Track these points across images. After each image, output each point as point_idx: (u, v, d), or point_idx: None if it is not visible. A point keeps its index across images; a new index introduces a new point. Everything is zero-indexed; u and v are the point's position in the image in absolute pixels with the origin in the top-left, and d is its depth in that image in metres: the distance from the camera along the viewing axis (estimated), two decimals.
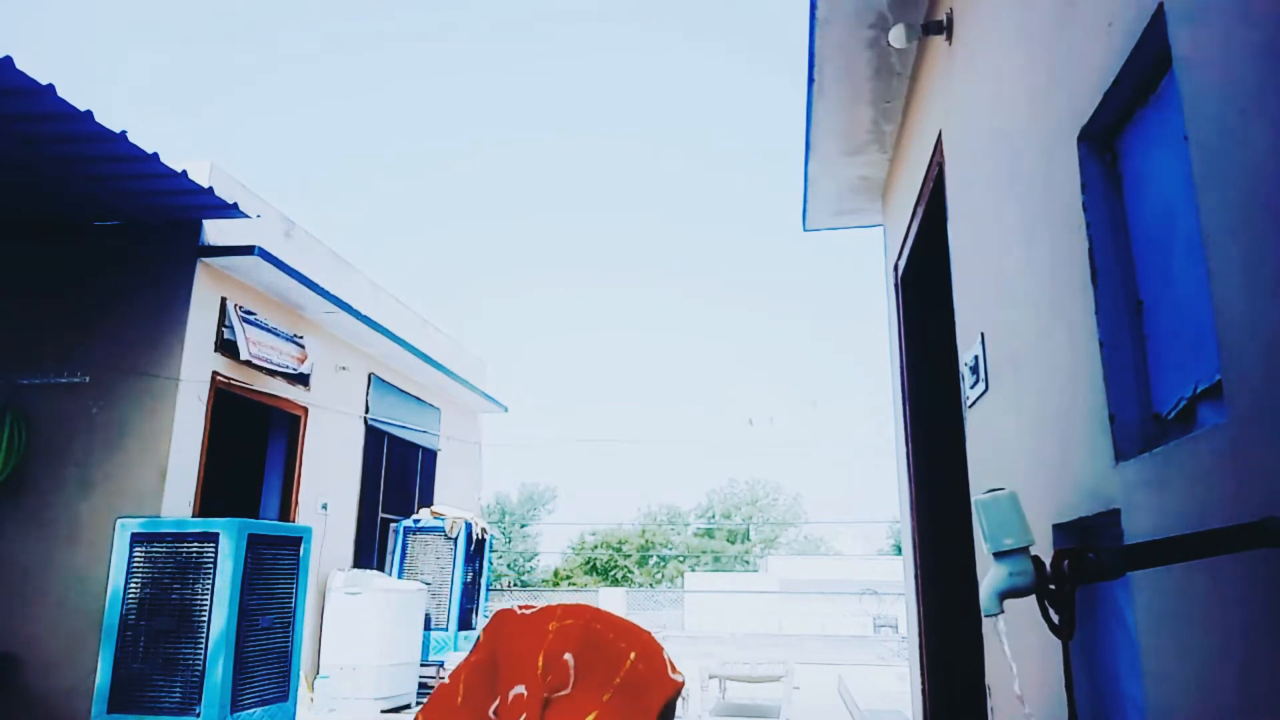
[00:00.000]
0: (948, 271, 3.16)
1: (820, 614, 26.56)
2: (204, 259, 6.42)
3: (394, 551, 9.14)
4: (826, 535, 50.35)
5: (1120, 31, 1.53)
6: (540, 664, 1.04)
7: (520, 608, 1.13)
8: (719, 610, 27.97)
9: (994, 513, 1.59)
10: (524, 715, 1.01)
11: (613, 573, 42.99)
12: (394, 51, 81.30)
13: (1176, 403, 1.49)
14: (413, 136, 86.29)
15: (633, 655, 1.07)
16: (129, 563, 5.24)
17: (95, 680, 5.10)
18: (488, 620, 1.09)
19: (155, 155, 5.22)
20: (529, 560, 45.31)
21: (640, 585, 40.92)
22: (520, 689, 1.03)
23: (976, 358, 2.70)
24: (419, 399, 10.42)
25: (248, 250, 6.43)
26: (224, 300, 6.69)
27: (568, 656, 1.04)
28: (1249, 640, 1.16)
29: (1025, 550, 1.57)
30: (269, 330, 7.23)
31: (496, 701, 1.05)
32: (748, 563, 44.33)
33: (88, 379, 6.20)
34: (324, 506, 8.18)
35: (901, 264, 4.36)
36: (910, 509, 4.18)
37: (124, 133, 4.95)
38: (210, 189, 5.73)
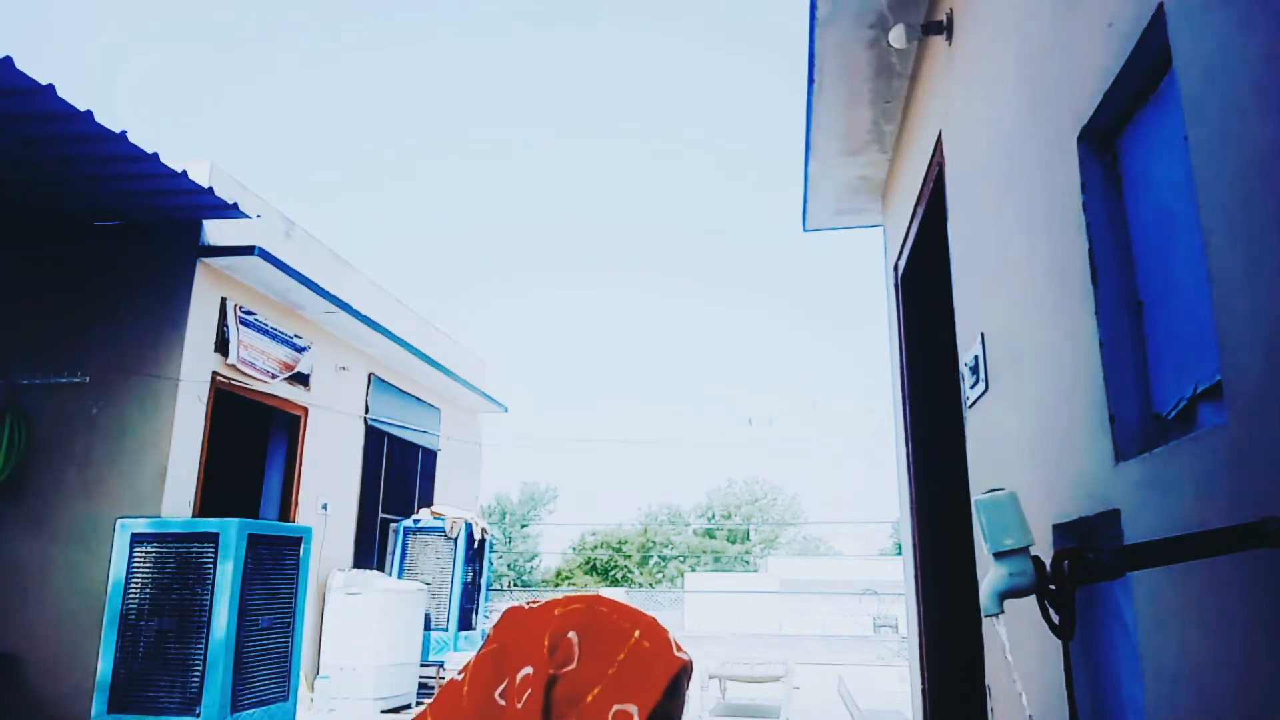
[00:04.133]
0: (948, 271, 3.16)
1: (820, 614, 26.59)
2: (204, 259, 6.42)
3: (394, 552, 9.14)
4: (826, 535, 50.45)
5: (1120, 31, 1.53)
6: (546, 644, 1.06)
7: (529, 603, 1.15)
8: (719, 610, 27.97)
9: (994, 513, 1.59)
10: (529, 691, 1.03)
11: (613, 573, 43.00)
12: (394, 52, 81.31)
13: (1176, 403, 1.49)
14: (413, 137, 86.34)
15: (637, 633, 1.08)
16: (129, 563, 5.24)
17: (95, 680, 5.10)
18: (499, 617, 1.11)
19: (155, 155, 5.22)
20: (529, 560, 45.33)
21: (640, 585, 40.93)
22: (527, 669, 1.06)
23: (976, 358, 2.70)
24: (419, 399, 10.42)
25: (248, 250, 6.43)
26: (224, 300, 6.69)
27: (572, 635, 1.07)
28: (1249, 640, 1.16)
29: (1025, 550, 1.57)
30: (265, 332, 7.22)
31: (504, 684, 1.07)
32: (748, 563, 44.34)
33: (88, 379, 6.20)
34: (324, 506, 8.18)
35: (901, 264, 4.35)
36: (910, 509, 4.18)
37: (124, 133, 4.95)
38: (210, 189, 5.73)
